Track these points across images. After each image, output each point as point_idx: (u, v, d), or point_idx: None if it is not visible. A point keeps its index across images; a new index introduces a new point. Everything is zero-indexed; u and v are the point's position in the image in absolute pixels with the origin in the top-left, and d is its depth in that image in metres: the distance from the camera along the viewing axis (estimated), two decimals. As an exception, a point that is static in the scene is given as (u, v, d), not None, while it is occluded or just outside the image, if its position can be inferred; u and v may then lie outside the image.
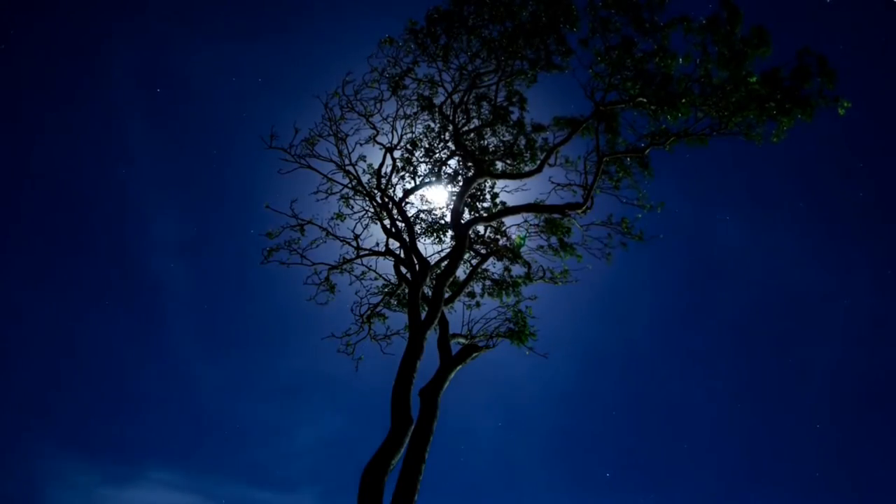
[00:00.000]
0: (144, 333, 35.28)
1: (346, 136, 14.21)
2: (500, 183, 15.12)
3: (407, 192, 14.70)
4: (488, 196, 15.33)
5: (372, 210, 14.49)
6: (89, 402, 34.40)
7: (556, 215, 14.03)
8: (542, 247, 14.95)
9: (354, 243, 14.31)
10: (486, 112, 15.13)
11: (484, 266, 14.97)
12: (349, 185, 14.52)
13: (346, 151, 14.20)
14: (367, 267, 14.77)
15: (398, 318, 15.03)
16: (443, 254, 14.82)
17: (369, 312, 14.70)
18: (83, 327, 34.56)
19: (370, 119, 14.46)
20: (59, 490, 31.75)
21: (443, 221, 15.43)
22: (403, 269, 13.47)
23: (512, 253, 14.79)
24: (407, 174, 15.23)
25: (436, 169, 15.25)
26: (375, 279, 14.92)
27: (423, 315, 10.77)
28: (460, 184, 14.86)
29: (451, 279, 11.96)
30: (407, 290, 13.38)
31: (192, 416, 35.77)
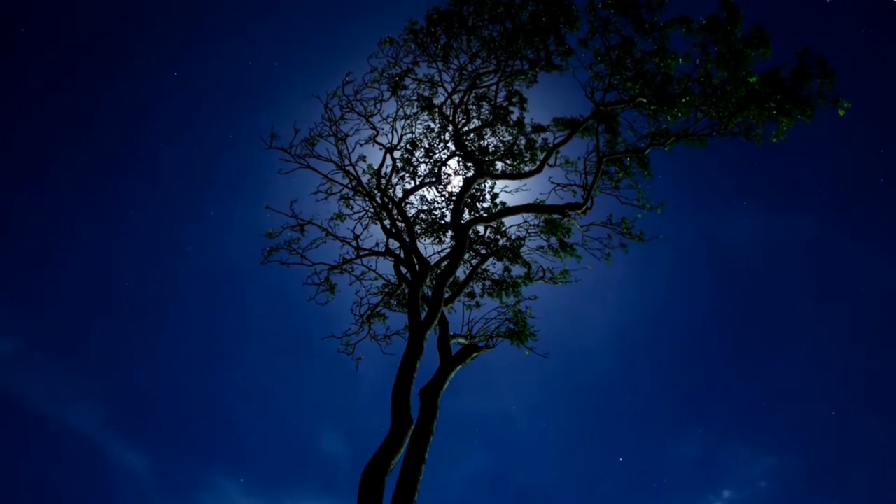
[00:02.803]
0: (328, 385, 37.50)
1: (346, 136, 14.22)
2: (500, 183, 15.12)
3: (407, 192, 14.70)
4: (488, 196, 15.34)
5: (372, 210, 14.49)
6: (259, 440, 36.94)
7: (556, 215, 14.01)
8: (542, 247, 14.95)
9: (354, 243, 14.31)
10: (486, 112, 15.13)
11: (484, 266, 14.96)
12: (349, 186, 14.53)
13: (346, 151, 14.21)
14: (367, 267, 14.78)
15: (398, 318, 15.04)
16: (443, 254, 14.82)
17: (369, 312, 14.70)
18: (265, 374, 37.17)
19: (370, 119, 14.46)
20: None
21: (443, 221, 15.43)
22: (403, 270, 13.46)
23: (512, 253, 14.79)
24: (407, 174, 15.23)
25: (436, 169, 15.26)
26: (375, 279, 14.92)
27: (423, 315, 10.77)
28: (460, 184, 14.86)
29: (451, 279, 11.95)
30: (407, 291, 13.38)
31: (343, 453, 37.38)
